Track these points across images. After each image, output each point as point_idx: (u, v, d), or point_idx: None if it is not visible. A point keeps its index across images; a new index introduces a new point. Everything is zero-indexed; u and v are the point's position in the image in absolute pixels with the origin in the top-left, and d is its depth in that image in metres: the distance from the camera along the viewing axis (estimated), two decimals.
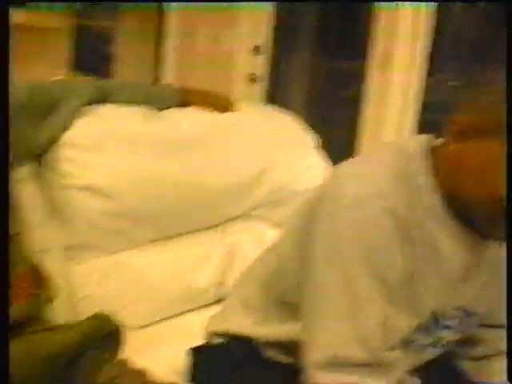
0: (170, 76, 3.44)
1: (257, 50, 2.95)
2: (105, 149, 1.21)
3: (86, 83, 1.28)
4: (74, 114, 1.19)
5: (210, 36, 3.19)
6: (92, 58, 6.81)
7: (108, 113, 1.25)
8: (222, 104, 1.49)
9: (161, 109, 1.37)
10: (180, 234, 1.33)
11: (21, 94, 1.14)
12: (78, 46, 3.67)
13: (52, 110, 1.18)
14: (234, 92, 3.08)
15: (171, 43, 3.45)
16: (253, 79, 3.00)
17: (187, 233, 1.34)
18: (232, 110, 1.49)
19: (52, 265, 1.08)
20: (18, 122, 1.11)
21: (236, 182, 1.38)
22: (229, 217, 1.41)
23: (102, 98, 1.28)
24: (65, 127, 1.18)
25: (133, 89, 1.35)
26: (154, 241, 1.30)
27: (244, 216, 1.42)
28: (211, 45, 3.20)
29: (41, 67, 2.86)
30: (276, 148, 1.45)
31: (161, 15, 6.13)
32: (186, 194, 1.30)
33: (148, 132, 1.28)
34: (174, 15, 3.43)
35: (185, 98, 1.43)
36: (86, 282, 1.19)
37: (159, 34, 6.44)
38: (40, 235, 1.12)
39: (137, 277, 1.25)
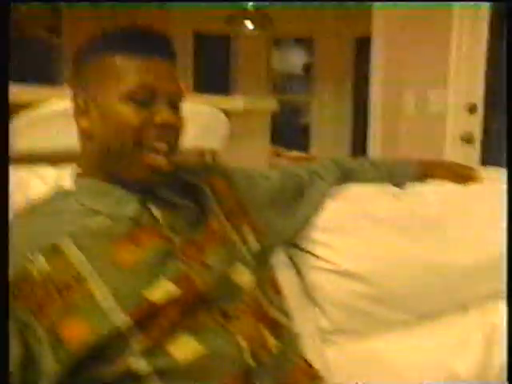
0: (376, 144, 3.44)
1: (472, 108, 2.85)
2: (355, 231, 1.20)
3: (329, 163, 1.26)
4: (324, 197, 1.20)
5: (417, 98, 3.16)
6: (288, 130, 7.18)
7: (355, 193, 1.24)
8: (464, 175, 1.40)
9: (402, 185, 1.33)
10: (433, 316, 1.26)
11: (275, 180, 1.15)
12: (275, 120, 3.81)
13: (300, 195, 1.18)
14: (447, 154, 2.98)
15: (375, 112, 3.45)
16: (469, 140, 2.89)
17: (441, 314, 1.26)
18: (475, 181, 1.39)
19: (311, 350, 1.07)
20: (269, 209, 1.12)
21: (488, 258, 1.28)
22: (483, 295, 1.30)
23: (345, 178, 1.26)
24: (316, 211, 1.18)
25: (375, 166, 1.33)
26: (405, 323, 1.24)
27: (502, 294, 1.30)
28: (419, 107, 3.16)
29: (246, 147, 3.02)
30: None
31: (357, 85, 6.22)
32: (438, 274, 1.22)
33: (398, 211, 1.24)
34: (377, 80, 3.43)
35: (424, 172, 1.37)
36: (339, 366, 1.16)
37: (356, 103, 6.53)
38: (298, 320, 1.13)
39: (390, 362, 1.19)
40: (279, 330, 0.94)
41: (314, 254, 1.19)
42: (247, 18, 5.07)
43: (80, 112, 0.90)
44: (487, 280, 1.28)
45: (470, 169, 1.41)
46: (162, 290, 0.83)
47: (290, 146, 5.82)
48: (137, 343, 0.81)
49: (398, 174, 1.33)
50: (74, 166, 0.97)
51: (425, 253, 1.23)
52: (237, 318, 0.88)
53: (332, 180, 1.23)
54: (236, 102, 2.76)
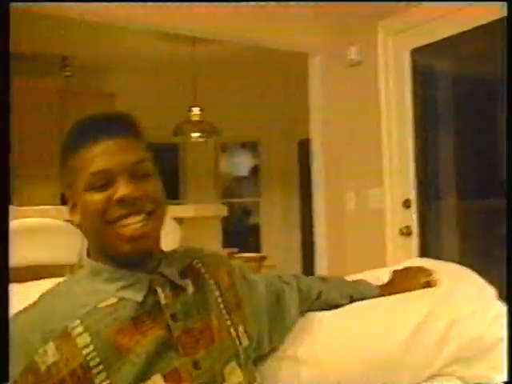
0: (322, 239, 3.59)
1: (407, 203, 3.07)
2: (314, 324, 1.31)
3: (291, 281, 1.27)
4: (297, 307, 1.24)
5: (358, 196, 3.37)
6: (239, 231, 7.30)
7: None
8: (422, 282, 1.37)
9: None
10: None
11: (262, 284, 1.19)
12: (226, 222, 3.92)
13: (279, 303, 1.20)
14: (388, 246, 3.16)
15: (319, 210, 3.63)
16: (407, 233, 3.08)
17: None
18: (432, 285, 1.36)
19: None
20: (261, 313, 1.16)
21: (426, 339, 1.38)
22: (422, 378, 1.39)
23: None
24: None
25: (338, 287, 1.33)
26: None
27: (438, 375, 1.40)
28: (360, 204, 3.36)
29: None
30: (463, 302, 1.45)
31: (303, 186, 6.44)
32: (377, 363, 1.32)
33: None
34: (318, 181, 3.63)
35: (387, 290, 1.36)
36: None
37: (303, 202, 6.72)
38: None
39: None
40: None
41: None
42: (194, 128, 5.32)
43: (72, 212, 0.99)
44: (424, 363, 1.37)
45: (429, 273, 1.43)
46: None
47: (241, 246, 5.94)
48: None
49: (362, 294, 1.35)
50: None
51: (380, 341, 1.32)
52: None
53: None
54: (187, 210, 2.89)
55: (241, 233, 7.31)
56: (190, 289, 1.01)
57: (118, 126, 0.98)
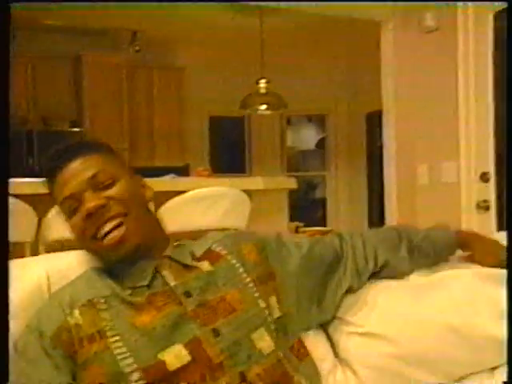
0: (393, 215, 3.51)
1: (485, 177, 2.95)
2: (377, 297, 1.28)
3: (369, 249, 1.27)
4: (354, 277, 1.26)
5: (431, 169, 3.26)
6: (304, 205, 7.28)
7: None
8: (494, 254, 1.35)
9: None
10: (462, 378, 1.30)
11: (307, 250, 1.20)
12: (292, 196, 3.89)
13: (333, 269, 1.22)
14: (464, 222, 3.05)
15: (390, 184, 3.54)
16: (484, 207, 2.96)
17: (470, 377, 1.30)
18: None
19: None
20: (297, 278, 1.17)
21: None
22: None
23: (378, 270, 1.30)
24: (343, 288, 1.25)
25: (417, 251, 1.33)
26: None
27: None
28: (433, 178, 3.25)
29: (266, 223, 3.09)
30: None
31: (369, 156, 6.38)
32: (463, 336, 1.27)
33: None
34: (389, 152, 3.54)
35: (464, 242, 1.36)
36: None
37: (370, 176, 6.64)
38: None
39: None
40: None
41: (342, 319, 1.26)
42: (261, 100, 5.29)
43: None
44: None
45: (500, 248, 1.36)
46: (175, 355, 0.93)
47: (307, 220, 5.92)
48: None
49: (441, 246, 1.35)
50: None
51: (446, 316, 1.28)
52: (259, 378, 0.95)
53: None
54: (256, 182, 2.89)
55: (306, 207, 7.28)
56: (206, 267, 1.06)
57: (75, 148, 1.11)
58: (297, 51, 6.17)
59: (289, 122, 7.30)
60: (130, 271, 1.04)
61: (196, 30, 5.74)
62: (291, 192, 3.48)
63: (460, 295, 1.31)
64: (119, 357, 0.93)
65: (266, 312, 1.04)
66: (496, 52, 2.88)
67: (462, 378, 1.31)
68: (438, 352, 1.28)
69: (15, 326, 1.02)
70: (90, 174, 1.04)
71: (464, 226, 2.99)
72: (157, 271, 1.03)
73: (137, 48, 5.96)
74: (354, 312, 1.26)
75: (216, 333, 0.96)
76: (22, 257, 2.41)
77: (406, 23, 3.33)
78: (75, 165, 1.05)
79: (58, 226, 2.44)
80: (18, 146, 5.50)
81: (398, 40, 3.40)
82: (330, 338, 1.28)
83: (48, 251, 2.46)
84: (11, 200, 2.26)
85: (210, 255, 1.10)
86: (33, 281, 1.14)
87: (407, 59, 3.36)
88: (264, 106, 5.34)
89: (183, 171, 5.52)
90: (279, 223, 3.15)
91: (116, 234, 1.01)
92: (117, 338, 0.95)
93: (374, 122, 6.18)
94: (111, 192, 1.04)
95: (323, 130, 7.28)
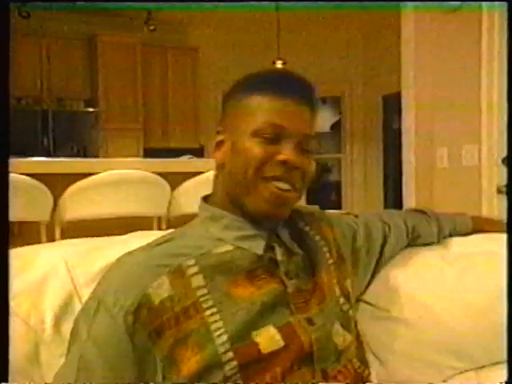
0: (411, 199, 3.46)
1: (507, 160, 2.88)
2: (401, 279, 1.25)
3: (399, 224, 1.25)
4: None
5: (451, 152, 3.20)
6: (319, 189, 7.24)
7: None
8: None
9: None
10: (492, 365, 1.26)
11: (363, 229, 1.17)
12: None
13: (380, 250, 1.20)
14: (484, 207, 3.00)
15: (409, 167, 3.49)
16: (506, 192, 2.90)
17: (499, 363, 1.27)
18: None
19: None
20: (361, 261, 1.15)
21: None
22: None
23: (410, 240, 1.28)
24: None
25: (438, 225, 1.32)
26: (464, 372, 1.25)
27: None
28: (453, 161, 3.20)
29: None
30: None
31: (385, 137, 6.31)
32: (493, 321, 1.24)
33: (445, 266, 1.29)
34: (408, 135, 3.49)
35: (479, 226, 1.38)
36: None
37: (387, 159, 6.58)
38: None
39: None
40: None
41: (366, 302, 1.22)
42: None
43: (217, 146, 0.97)
44: None
45: None
46: (269, 337, 0.86)
47: (320, 204, 5.87)
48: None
49: (460, 229, 1.36)
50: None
51: (476, 299, 1.25)
52: (336, 380, 0.90)
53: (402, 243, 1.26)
54: None
55: (321, 190, 7.23)
56: (300, 251, 0.99)
57: (311, 96, 0.96)
58: (313, 32, 6.09)
59: None
60: (244, 230, 0.94)
61: (212, 10, 5.67)
62: None
63: (490, 278, 1.28)
64: (215, 333, 0.84)
65: (342, 301, 0.99)
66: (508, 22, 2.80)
67: (489, 365, 1.28)
68: (466, 338, 1.24)
69: (28, 305, 0.99)
70: (308, 130, 0.93)
71: (484, 212, 2.94)
72: (269, 245, 0.94)
73: (151, 27, 5.91)
74: (379, 296, 1.23)
75: (311, 322, 0.91)
76: (38, 237, 2.42)
77: (427, 2, 3.25)
78: (303, 109, 0.94)
79: (73, 206, 2.43)
80: (32, 125, 5.50)
81: (418, 20, 3.32)
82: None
83: (63, 232, 2.45)
84: (26, 179, 2.28)
85: (296, 232, 1.03)
86: (48, 262, 1.09)
87: (428, 40, 3.29)
88: None
89: (198, 153, 5.49)
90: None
91: (285, 193, 0.91)
92: (214, 310, 0.85)
93: (391, 104, 6.11)
94: (306, 162, 0.94)
95: (338, 112, 7.20)
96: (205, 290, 0.86)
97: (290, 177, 0.91)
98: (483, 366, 1.27)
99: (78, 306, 1.01)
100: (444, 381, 1.23)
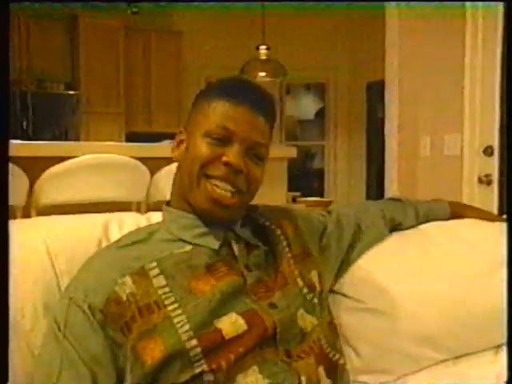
0: (393, 188, 3.46)
1: (488, 151, 2.89)
2: (379, 270, 1.24)
3: (376, 216, 1.30)
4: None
5: (433, 141, 3.20)
6: (302, 176, 7.24)
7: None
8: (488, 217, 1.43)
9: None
10: (467, 354, 1.26)
11: (332, 219, 1.22)
12: (290, 166, 3.80)
13: (356, 239, 1.24)
14: (465, 195, 3.00)
15: (391, 155, 3.49)
16: (486, 181, 2.91)
17: (474, 353, 1.26)
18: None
19: None
20: (328, 251, 1.19)
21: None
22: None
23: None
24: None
25: (415, 210, 1.36)
26: (441, 362, 1.24)
27: None
28: (435, 150, 3.20)
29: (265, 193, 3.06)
30: None
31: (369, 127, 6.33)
32: (468, 311, 1.24)
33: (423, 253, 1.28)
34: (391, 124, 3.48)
35: (457, 212, 1.40)
36: None
37: (369, 147, 6.58)
38: None
39: None
40: (335, 370, 0.99)
41: (341, 293, 1.21)
42: (261, 67, 5.18)
43: (176, 146, 1.04)
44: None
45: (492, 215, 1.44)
46: (231, 323, 0.90)
47: (303, 191, 5.87)
48: (198, 368, 0.87)
49: (436, 214, 1.38)
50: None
51: (452, 290, 1.24)
52: (299, 358, 0.93)
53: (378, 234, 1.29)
54: None
55: (303, 177, 7.23)
56: (261, 244, 1.04)
57: (266, 107, 1.02)
58: (298, 18, 6.04)
59: (288, 90, 7.19)
60: (200, 228, 1.00)
61: None
62: (288, 161, 3.42)
63: (465, 266, 1.28)
64: (178, 325, 0.88)
65: (305, 290, 1.03)
66: (506, 22, 2.78)
67: (465, 355, 1.28)
68: (441, 329, 1.24)
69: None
70: (258, 138, 0.99)
71: (465, 200, 2.95)
72: (226, 240, 1.00)
73: (134, 10, 5.82)
74: (355, 288, 1.22)
75: (273, 306, 0.96)
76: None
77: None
78: (256, 118, 0.99)
79: (50, 191, 2.39)
80: (11, 107, 5.41)
81: (402, 7, 3.30)
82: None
83: (39, 216, 2.40)
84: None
85: (258, 226, 1.09)
86: (27, 244, 1.07)
87: (412, 28, 3.27)
88: (263, 74, 5.24)
89: None
90: (278, 193, 3.10)
91: (228, 194, 0.96)
92: (175, 305, 0.90)
93: (375, 92, 6.10)
94: (253, 168, 0.99)
95: (322, 98, 7.18)
96: (166, 289, 0.91)
97: (233, 179, 0.96)
98: (460, 356, 1.27)
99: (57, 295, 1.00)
100: (420, 370, 1.23)
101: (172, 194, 1.05)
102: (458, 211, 1.41)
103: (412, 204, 1.37)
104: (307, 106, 7.73)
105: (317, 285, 1.07)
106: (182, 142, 1.03)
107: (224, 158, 0.95)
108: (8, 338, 0.85)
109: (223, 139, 0.96)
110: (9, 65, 0.94)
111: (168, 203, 1.06)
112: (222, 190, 0.96)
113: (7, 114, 0.91)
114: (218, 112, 0.97)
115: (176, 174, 1.04)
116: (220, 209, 0.96)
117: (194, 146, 0.98)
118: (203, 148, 0.96)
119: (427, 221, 1.37)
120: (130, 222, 1.20)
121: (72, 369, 0.86)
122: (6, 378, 0.82)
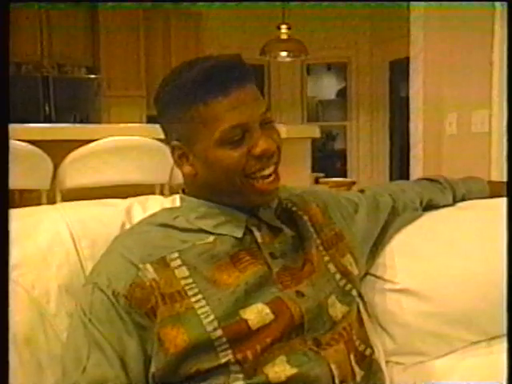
0: (418, 166, 3.41)
1: None
2: (412, 250, 1.21)
3: (413, 195, 1.26)
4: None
5: (460, 119, 3.13)
6: (324, 156, 7.17)
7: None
8: None
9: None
10: (501, 336, 1.23)
11: (366, 199, 1.19)
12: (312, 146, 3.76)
13: (390, 221, 1.20)
14: (494, 175, 2.94)
15: (416, 134, 3.43)
16: None
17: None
18: None
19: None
20: (363, 236, 1.15)
21: None
22: None
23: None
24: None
25: (451, 188, 1.33)
26: (475, 343, 1.22)
27: None
28: (462, 128, 3.13)
29: (289, 173, 3.04)
30: None
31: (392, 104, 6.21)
32: (503, 294, 1.20)
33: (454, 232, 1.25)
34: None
35: (495, 191, 1.37)
36: None
37: (393, 127, 6.49)
38: None
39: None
40: (364, 361, 0.96)
41: (373, 275, 1.19)
42: (282, 46, 5.12)
43: (181, 162, 0.96)
44: None
45: None
46: (257, 313, 0.88)
47: (325, 171, 5.83)
48: (224, 357, 0.86)
49: (476, 192, 1.35)
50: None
51: (486, 271, 1.21)
52: (329, 345, 0.91)
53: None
54: (279, 130, 2.78)
55: (325, 158, 7.17)
56: (287, 229, 1.00)
57: (244, 72, 0.90)
58: None
59: (308, 71, 7.11)
60: (222, 215, 0.95)
61: None
62: (311, 143, 3.39)
63: (501, 247, 1.24)
64: (203, 316, 0.86)
65: (338, 277, 1.00)
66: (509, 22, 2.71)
67: (499, 337, 1.25)
68: (475, 309, 1.21)
69: (32, 276, 0.97)
70: (262, 108, 0.91)
71: (494, 179, 2.89)
72: (248, 227, 0.96)
73: None
74: (388, 268, 1.20)
75: (300, 294, 0.92)
76: (39, 205, 2.38)
77: None
78: (247, 91, 0.89)
79: (73, 174, 2.39)
80: (33, 92, 5.43)
81: None
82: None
83: (65, 200, 2.41)
84: (26, 146, 2.23)
85: (284, 211, 1.04)
86: (51, 229, 1.05)
87: (438, 2, 3.18)
88: (284, 53, 5.18)
89: None
90: (302, 173, 3.07)
91: (271, 178, 0.92)
92: (199, 296, 0.88)
93: (397, 70, 6.00)
94: (274, 135, 0.93)
95: (344, 78, 7.09)
96: (190, 280, 0.89)
97: (269, 161, 0.91)
98: (495, 337, 1.24)
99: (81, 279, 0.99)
100: (453, 351, 1.21)
101: (188, 188, 1.00)
102: (497, 191, 1.36)
103: (450, 185, 1.32)
104: (328, 87, 7.64)
105: (351, 269, 1.04)
106: (183, 155, 0.94)
107: (256, 151, 0.89)
108: (8, 337, 0.81)
109: (240, 135, 0.89)
110: (9, 65, 0.90)
111: (183, 191, 1.02)
112: (269, 179, 0.92)
113: (6, 100, 0.84)
114: (220, 112, 0.87)
115: (188, 179, 0.98)
116: (270, 197, 0.95)
117: (214, 157, 0.89)
118: (230, 158, 0.89)
119: (463, 200, 1.33)
120: (154, 204, 1.18)
121: (100, 352, 0.85)
122: (7, 378, 0.80)
